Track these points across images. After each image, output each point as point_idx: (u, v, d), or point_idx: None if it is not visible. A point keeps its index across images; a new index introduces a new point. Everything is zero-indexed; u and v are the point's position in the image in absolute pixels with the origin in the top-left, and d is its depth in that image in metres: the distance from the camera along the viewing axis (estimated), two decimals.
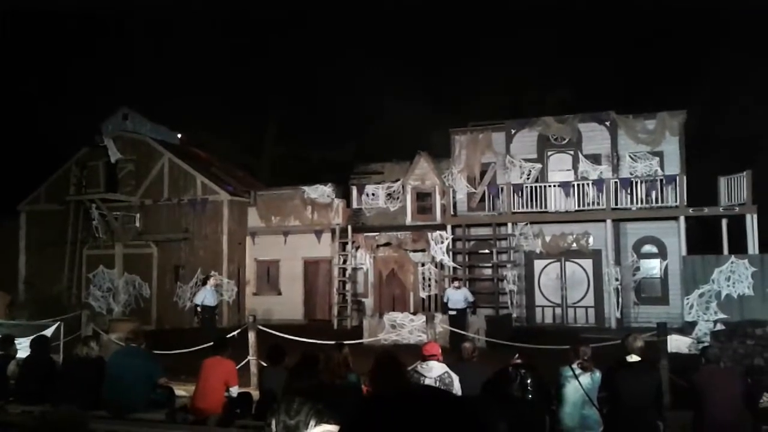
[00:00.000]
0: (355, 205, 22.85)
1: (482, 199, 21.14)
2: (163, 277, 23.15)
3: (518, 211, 20.17)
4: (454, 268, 20.38)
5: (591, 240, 19.79)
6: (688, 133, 20.32)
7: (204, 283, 15.83)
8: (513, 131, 21.47)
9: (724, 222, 18.99)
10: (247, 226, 23.50)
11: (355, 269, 22.07)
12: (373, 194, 22.78)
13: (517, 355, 6.60)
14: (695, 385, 6.33)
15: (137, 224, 23.42)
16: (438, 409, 1.16)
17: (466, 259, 20.94)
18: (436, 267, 20.95)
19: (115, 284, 23.29)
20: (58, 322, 11.59)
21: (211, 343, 8.00)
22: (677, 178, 18.86)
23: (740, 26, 26.68)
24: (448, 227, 20.80)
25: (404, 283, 21.71)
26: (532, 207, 20.05)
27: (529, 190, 20.18)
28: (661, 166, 19.93)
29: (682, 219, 18.54)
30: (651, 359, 7.24)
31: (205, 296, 15.10)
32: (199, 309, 15.26)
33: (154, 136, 24.59)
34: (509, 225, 20.41)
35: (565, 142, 20.94)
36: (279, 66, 33.46)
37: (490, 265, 20.63)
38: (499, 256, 20.43)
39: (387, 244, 21.78)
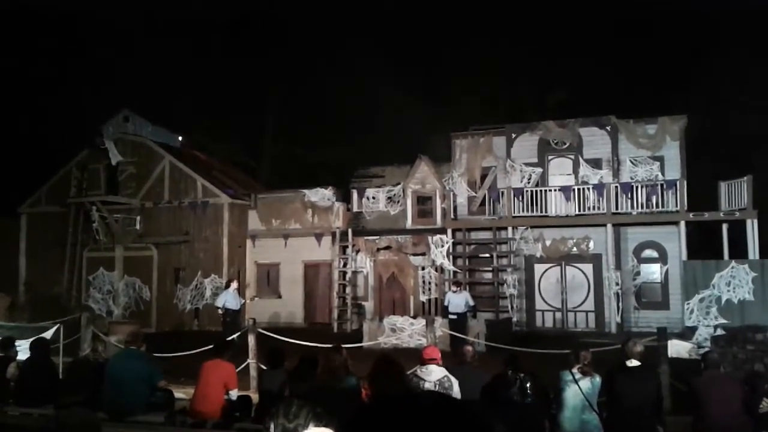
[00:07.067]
0: (355, 208, 22.82)
1: (483, 203, 21.15)
2: (163, 279, 23.15)
3: (519, 215, 20.17)
4: (455, 272, 20.36)
5: (591, 244, 19.78)
6: (688, 137, 20.31)
7: (227, 286, 15.87)
8: (513, 135, 21.49)
9: (724, 227, 18.95)
10: (247, 228, 23.49)
11: (355, 272, 22.07)
12: (373, 198, 22.75)
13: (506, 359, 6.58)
14: (695, 390, 6.32)
15: (137, 227, 23.41)
16: (439, 412, 1.16)
17: (467, 263, 20.92)
18: (436, 271, 20.95)
19: (115, 287, 23.29)
20: (58, 325, 11.56)
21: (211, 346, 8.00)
22: (678, 182, 18.86)
23: (742, 30, 26.69)
24: (449, 231, 20.79)
25: (404, 286, 21.70)
26: (532, 211, 20.06)
27: (529, 195, 20.18)
28: (662, 171, 19.94)
29: (682, 224, 18.52)
30: (651, 364, 7.24)
31: (227, 299, 15.08)
32: (221, 312, 15.27)
33: (154, 139, 24.63)
34: (510, 229, 20.39)
35: (566, 146, 20.95)
36: (279, 68, 33.44)
37: (490, 269, 20.62)
38: (499, 260, 20.41)
39: (387, 248, 21.78)
